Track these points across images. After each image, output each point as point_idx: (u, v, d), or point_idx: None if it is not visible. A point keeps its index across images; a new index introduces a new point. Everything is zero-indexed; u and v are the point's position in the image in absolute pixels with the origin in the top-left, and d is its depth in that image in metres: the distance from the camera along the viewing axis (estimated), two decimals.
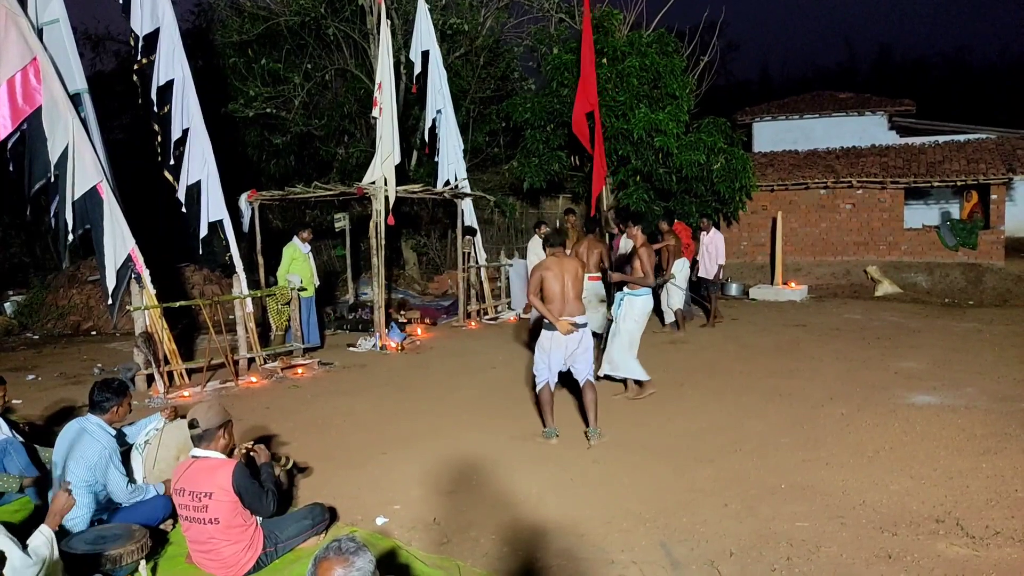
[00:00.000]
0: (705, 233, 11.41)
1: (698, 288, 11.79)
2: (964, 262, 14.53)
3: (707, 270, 11.29)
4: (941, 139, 17.28)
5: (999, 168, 14.42)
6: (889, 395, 6.96)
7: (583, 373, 5.89)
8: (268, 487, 3.98)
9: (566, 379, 6.29)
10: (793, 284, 14.46)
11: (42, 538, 3.21)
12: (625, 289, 6.90)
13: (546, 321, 5.80)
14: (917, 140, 17.53)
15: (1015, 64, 39.54)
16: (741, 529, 4.24)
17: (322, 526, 4.21)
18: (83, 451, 4.14)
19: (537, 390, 5.99)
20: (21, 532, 3.63)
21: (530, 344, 9.97)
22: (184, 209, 8.53)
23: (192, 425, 3.89)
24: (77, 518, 4.05)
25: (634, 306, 6.86)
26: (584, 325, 5.84)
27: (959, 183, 14.88)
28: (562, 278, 5.75)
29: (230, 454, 4.03)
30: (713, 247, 11.23)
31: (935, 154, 15.94)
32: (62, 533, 3.91)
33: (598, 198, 12.90)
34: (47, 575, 3.10)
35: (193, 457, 3.89)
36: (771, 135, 19.23)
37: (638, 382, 7.08)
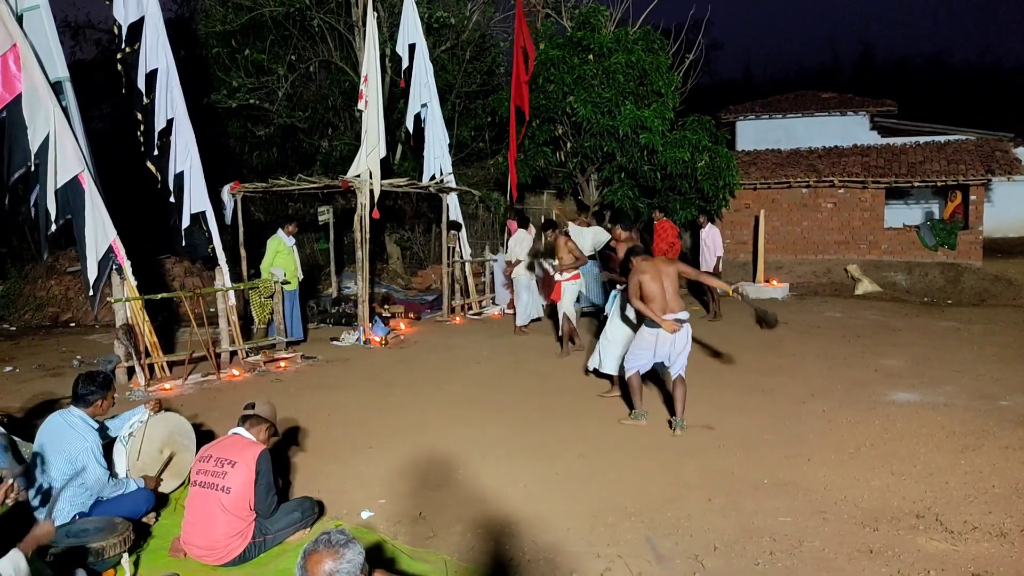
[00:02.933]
0: (703, 228, 11.80)
1: (698, 283, 11.90)
2: (943, 262, 14.72)
3: (707, 263, 11.65)
4: (922, 140, 17.47)
5: (978, 169, 14.61)
6: (870, 392, 7.04)
7: (678, 367, 6.08)
8: (275, 493, 4.05)
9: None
10: (775, 282, 14.57)
11: (9, 564, 3.13)
12: (619, 286, 7.12)
13: (648, 319, 5.94)
14: (898, 140, 17.70)
15: (995, 67, 40.14)
16: (725, 524, 4.28)
17: (311, 519, 4.22)
18: (65, 445, 4.10)
19: (628, 376, 6.30)
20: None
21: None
22: (172, 199, 8.43)
23: (248, 406, 4.17)
24: (59, 511, 4.00)
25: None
26: (687, 320, 5.99)
27: (939, 183, 15.07)
28: (660, 279, 5.91)
29: None
30: (711, 240, 11.62)
31: (916, 154, 16.12)
32: None
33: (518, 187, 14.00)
34: None
35: (233, 433, 4.08)
36: (754, 134, 19.33)
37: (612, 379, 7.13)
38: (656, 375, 7.19)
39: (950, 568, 3.71)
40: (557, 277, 8.95)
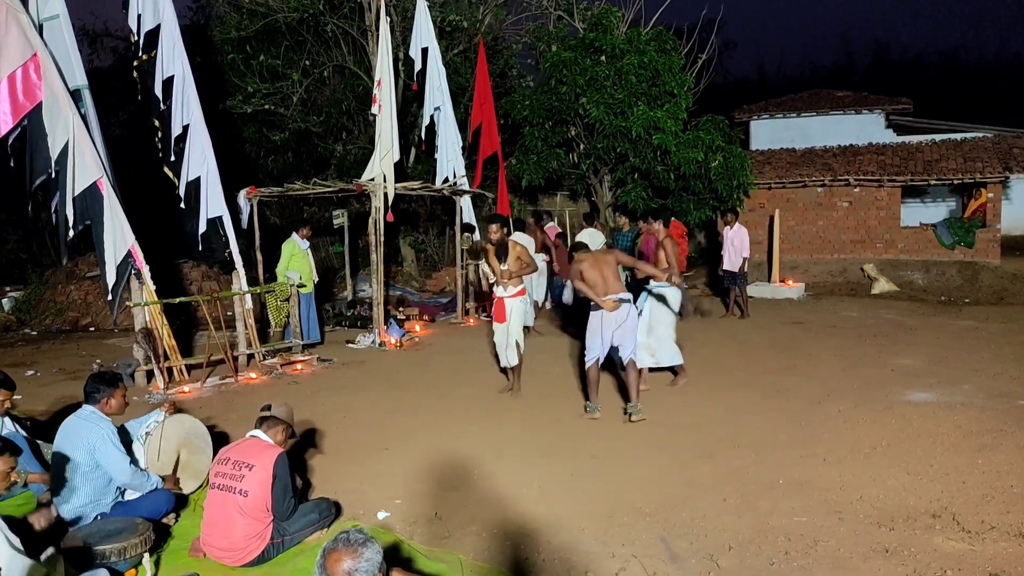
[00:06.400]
0: (729, 228, 11.70)
1: (721, 281, 11.95)
2: (960, 260, 14.58)
3: (732, 263, 11.62)
4: (938, 138, 17.32)
5: (995, 167, 14.47)
6: (886, 392, 7.00)
7: (628, 350, 6.32)
8: (293, 495, 4.09)
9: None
10: (790, 282, 14.50)
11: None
12: (652, 283, 7.28)
13: (592, 303, 6.32)
14: (914, 138, 17.57)
15: (1011, 63, 39.72)
16: (740, 524, 4.28)
17: (328, 520, 4.27)
18: (81, 436, 4.17)
19: (586, 367, 6.46)
20: (25, 525, 3.67)
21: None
22: (183, 205, 8.53)
23: (265, 408, 4.22)
24: (81, 509, 4.08)
25: (667, 295, 7.28)
26: (628, 300, 6.30)
27: (956, 181, 14.94)
28: (598, 266, 6.31)
29: None
30: (738, 240, 11.53)
31: (932, 153, 15.99)
32: (67, 524, 3.95)
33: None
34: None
35: (251, 436, 4.13)
36: (769, 133, 19.25)
37: (673, 370, 7.53)
38: (658, 379, 7.19)
39: (967, 568, 3.69)
40: (499, 292, 7.25)
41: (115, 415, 4.45)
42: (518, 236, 10.73)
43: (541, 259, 11.10)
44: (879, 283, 14.32)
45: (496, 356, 7.75)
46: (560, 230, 13.01)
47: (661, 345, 7.33)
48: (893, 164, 15.55)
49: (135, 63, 8.40)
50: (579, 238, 11.39)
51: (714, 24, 18.44)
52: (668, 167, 13.59)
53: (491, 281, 7.75)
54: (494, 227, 7.22)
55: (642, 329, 7.06)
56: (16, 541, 3.08)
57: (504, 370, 7.63)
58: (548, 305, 12.34)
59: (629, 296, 6.37)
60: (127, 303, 7.95)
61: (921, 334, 9.92)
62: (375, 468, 5.37)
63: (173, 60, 8.33)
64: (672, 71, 13.81)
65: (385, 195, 10.01)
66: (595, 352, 6.42)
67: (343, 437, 6.11)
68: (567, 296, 11.64)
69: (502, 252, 7.15)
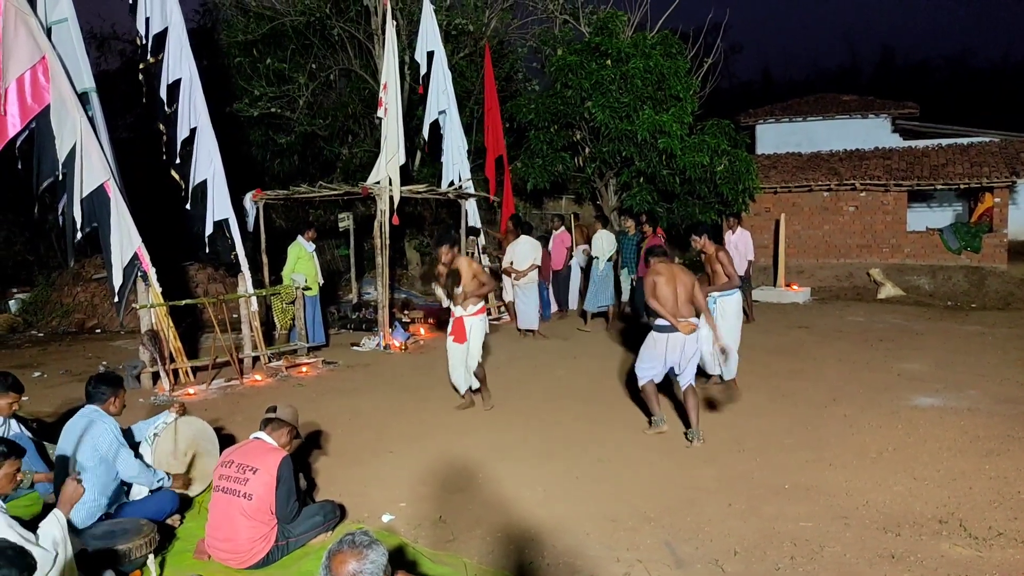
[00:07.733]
0: (731, 232, 11.45)
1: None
2: (967, 265, 14.53)
3: (736, 267, 11.36)
4: (944, 142, 17.27)
5: (1002, 171, 14.42)
6: (892, 397, 6.98)
7: (688, 377, 5.99)
8: (297, 497, 4.10)
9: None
10: (796, 286, 14.46)
11: (55, 521, 3.22)
12: (714, 294, 7.20)
13: (659, 323, 5.92)
14: (920, 143, 17.52)
15: (1018, 67, 39.57)
16: (745, 528, 4.26)
17: (332, 523, 4.27)
18: (89, 434, 4.19)
19: (641, 385, 6.13)
20: (31, 528, 3.67)
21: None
22: (196, 207, 8.57)
23: (270, 410, 4.21)
24: (86, 509, 4.08)
25: (728, 306, 7.27)
26: (698, 327, 5.95)
27: (962, 186, 14.90)
28: (674, 283, 5.88)
29: None
30: (742, 245, 11.36)
31: (938, 157, 15.94)
32: (71, 528, 3.94)
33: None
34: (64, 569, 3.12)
35: (255, 438, 4.12)
36: (774, 137, 19.22)
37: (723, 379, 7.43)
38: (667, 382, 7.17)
39: (974, 575, 3.68)
40: (458, 311, 6.83)
41: (115, 417, 4.47)
42: (525, 239, 10.75)
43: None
44: (885, 288, 14.28)
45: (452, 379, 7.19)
46: (569, 236, 12.87)
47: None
48: (899, 168, 15.51)
49: (141, 65, 8.45)
50: (595, 239, 11.40)
51: (720, 28, 18.48)
52: (673, 171, 13.58)
53: (443, 305, 7.07)
54: (444, 249, 6.78)
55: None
56: (32, 540, 3.08)
57: (458, 389, 7.18)
58: (552, 308, 12.27)
59: (698, 323, 5.94)
60: (133, 305, 7.97)
61: (927, 339, 9.88)
62: (380, 470, 5.38)
63: (180, 63, 8.37)
64: (678, 75, 13.80)
65: (391, 198, 10.02)
66: (650, 374, 6.06)
67: (348, 439, 6.12)
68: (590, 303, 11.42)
69: (456, 275, 6.69)
